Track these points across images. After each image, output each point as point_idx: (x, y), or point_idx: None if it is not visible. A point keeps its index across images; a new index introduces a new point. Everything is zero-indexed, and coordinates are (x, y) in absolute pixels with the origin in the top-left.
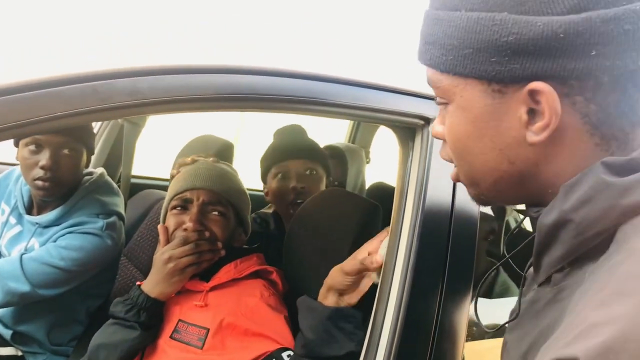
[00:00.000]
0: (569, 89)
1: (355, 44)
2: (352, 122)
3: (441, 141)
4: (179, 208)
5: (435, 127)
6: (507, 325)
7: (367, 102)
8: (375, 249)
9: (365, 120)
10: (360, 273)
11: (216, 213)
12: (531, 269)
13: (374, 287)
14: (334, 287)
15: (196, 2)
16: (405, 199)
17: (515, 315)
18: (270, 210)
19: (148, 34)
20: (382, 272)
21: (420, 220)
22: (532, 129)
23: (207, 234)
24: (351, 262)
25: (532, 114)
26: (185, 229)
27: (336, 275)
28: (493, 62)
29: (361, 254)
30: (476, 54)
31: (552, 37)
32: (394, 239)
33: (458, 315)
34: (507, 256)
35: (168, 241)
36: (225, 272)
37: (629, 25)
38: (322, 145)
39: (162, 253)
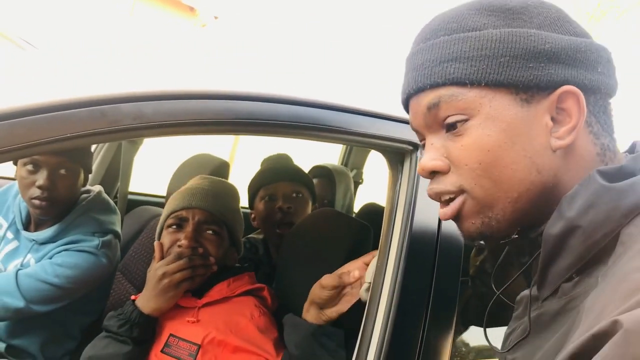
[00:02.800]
0: (588, 97)
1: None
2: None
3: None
4: (174, 226)
5: (434, 161)
6: (508, 345)
7: (359, 127)
8: (354, 267)
9: (357, 144)
10: (338, 287)
11: (210, 232)
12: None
13: (360, 306)
14: (314, 301)
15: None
16: (394, 221)
17: (527, 333)
18: (260, 236)
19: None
20: (369, 291)
21: (408, 241)
22: (557, 134)
23: (200, 250)
24: (329, 277)
25: (554, 121)
26: (180, 246)
27: (315, 289)
28: (530, 67)
29: (341, 270)
30: (513, 60)
31: (577, 49)
32: (382, 259)
33: (443, 335)
34: (514, 277)
35: (163, 258)
36: (218, 290)
37: (607, 57)
38: (310, 166)
39: (156, 269)
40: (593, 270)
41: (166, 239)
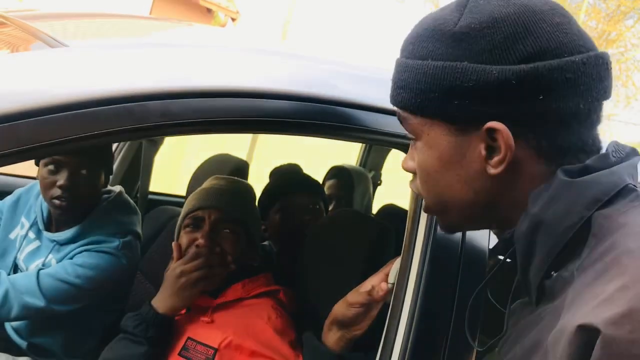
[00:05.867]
0: (522, 127)
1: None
2: (362, 145)
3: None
4: (191, 226)
5: (407, 161)
6: (499, 345)
7: (380, 126)
8: (378, 281)
9: (383, 144)
10: (365, 304)
11: (227, 231)
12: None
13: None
14: (338, 320)
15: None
16: (418, 223)
17: (503, 333)
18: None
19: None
20: (392, 296)
21: (432, 244)
22: (491, 163)
23: (217, 250)
24: (355, 294)
25: (491, 149)
26: (197, 246)
27: (340, 308)
28: (456, 104)
29: (364, 286)
30: (441, 97)
31: (505, 84)
32: (406, 263)
33: (468, 341)
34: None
35: (180, 258)
36: (233, 291)
37: (570, 74)
38: (327, 166)
39: (173, 269)
40: (568, 264)
41: (183, 239)
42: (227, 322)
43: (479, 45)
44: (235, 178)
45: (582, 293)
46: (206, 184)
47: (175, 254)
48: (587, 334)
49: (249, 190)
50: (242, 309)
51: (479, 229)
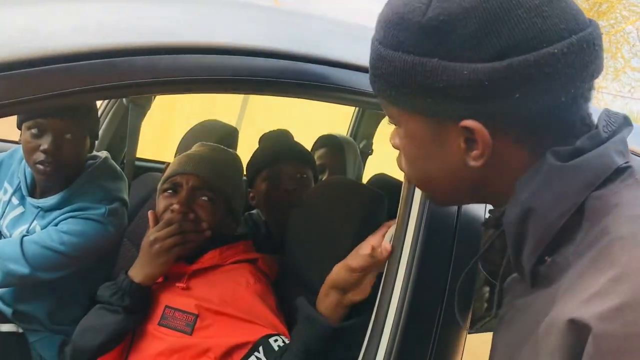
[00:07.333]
0: (499, 122)
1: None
2: (354, 113)
3: None
4: (169, 191)
5: (394, 138)
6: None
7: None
8: (378, 243)
9: (375, 108)
10: (368, 268)
11: (205, 198)
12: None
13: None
14: (338, 285)
15: None
16: (413, 190)
17: (494, 315)
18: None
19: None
20: (387, 262)
21: (428, 211)
22: (471, 155)
23: (191, 216)
24: (357, 258)
25: (470, 142)
26: (172, 211)
27: (340, 272)
28: (429, 102)
29: (364, 249)
30: (414, 94)
31: (477, 84)
32: (401, 229)
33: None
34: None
35: (156, 225)
36: (210, 258)
37: (549, 68)
38: (319, 135)
39: (147, 236)
40: (563, 250)
41: (160, 203)
42: (203, 288)
43: (449, 40)
44: (222, 147)
45: (575, 283)
46: (191, 150)
47: (150, 223)
48: (577, 329)
49: (235, 160)
50: (219, 275)
51: (468, 203)
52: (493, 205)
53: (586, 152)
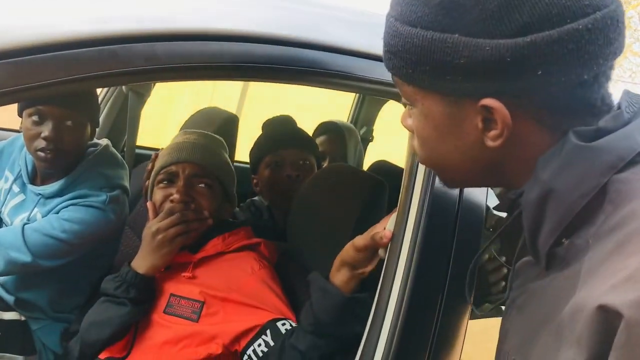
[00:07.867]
0: (520, 101)
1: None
2: (354, 100)
3: None
4: (165, 182)
5: (406, 119)
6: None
7: (378, 75)
8: (380, 229)
9: (376, 94)
10: (369, 249)
11: (202, 185)
12: (527, 259)
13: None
14: (347, 262)
15: None
16: (415, 177)
17: (505, 299)
18: (265, 203)
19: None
20: (388, 249)
21: (429, 199)
22: (489, 135)
23: (192, 205)
24: (361, 238)
25: (488, 121)
26: (172, 201)
27: (349, 251)
28: (448, 80)
29: (369, 232)
30: (432, 71)
31: (500, 61)
32: (402, 217)
33: (463, 294)
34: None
35: (156, 216)
36: (213, 245)
37: (573, 45)
38: (320, 122)
39: (149, 227)
40: (582, 232)
41: (158, 195)
42: (209, 276)
43: (470, 15)
44: (206, 132)
45: (600, 266)
46: (177, 138)
47: (150, 214)
48: (608, 316)
49: (222, 144)
50: (223, 262)
51: (482, 187)
52: (506, 188)
53: (609, 133)
